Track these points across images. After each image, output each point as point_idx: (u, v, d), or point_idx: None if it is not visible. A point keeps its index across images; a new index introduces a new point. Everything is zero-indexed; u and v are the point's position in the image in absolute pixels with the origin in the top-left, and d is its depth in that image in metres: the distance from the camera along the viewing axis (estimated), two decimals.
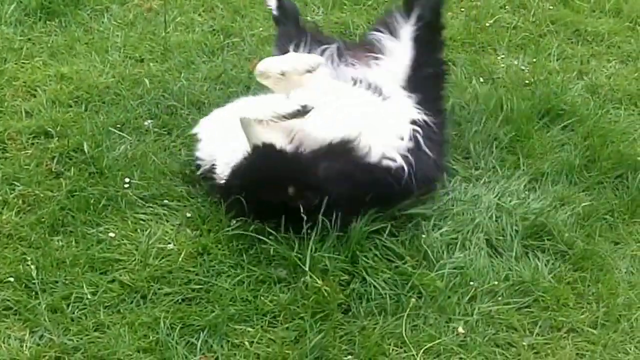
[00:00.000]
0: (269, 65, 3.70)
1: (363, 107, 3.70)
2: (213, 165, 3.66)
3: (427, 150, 3.70)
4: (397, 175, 3.57)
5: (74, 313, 3.20)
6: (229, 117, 3.71)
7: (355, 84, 3.80)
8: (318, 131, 3.50)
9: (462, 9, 5.29)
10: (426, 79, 3.95)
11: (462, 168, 4.02)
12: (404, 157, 3.59)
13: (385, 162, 3.57)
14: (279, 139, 3.46)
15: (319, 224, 3.42)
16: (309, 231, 3.43)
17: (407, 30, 3.97)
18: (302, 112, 3.44)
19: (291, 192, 3.41)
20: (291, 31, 4.08)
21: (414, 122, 3.72)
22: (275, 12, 4.21)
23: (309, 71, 3.66)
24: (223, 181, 3.59)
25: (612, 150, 4.15)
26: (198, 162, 3.75)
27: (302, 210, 3.38)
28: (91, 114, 4.17)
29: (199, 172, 3.74)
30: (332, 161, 3.48)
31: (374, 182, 3.53)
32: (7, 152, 3.90)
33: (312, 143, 3.50)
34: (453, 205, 3.79)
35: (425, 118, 3.78)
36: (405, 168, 3.57)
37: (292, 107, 3.44)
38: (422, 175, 3.63)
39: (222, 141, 3.67)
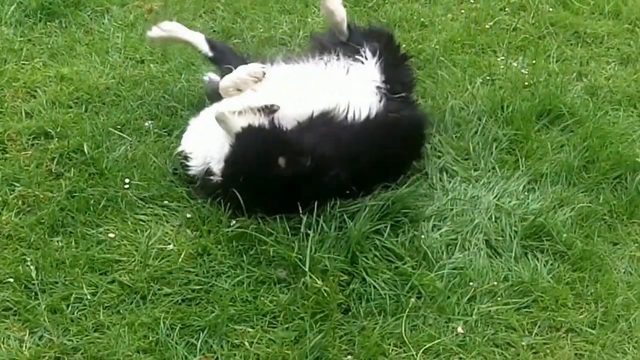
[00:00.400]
0: (225, 85, 3.90)
1: (330, 78, 3.92)
2: (209, 167, 3.69)
3: (402, 101, 3.93)
4: (384, 124, 3.76)
5: (73, 314, 3.20)
6: (207, 121, 3.81)
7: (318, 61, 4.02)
8: (295, 110, 3.66)
9: (462, 11, 5.30)
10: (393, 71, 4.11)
11: (461, 169, 4.03)
12: (385, 108, 3.81)
13: (368, 115, 3.74)
14: (257, 121, 3.60)
15: (319, 224, 3.44)
16: (308, 231, 3.44)
17: (370, 61, 4.07)
18: (269, 109, 3.64)
19: (282, 162, 3.48)
20: (233, 62, 4.14)
21: (381, 81, 3.95)
22: (210, 54, 4.26)
23: (258, 80, 3.85)
24: (220, 177, 3.62)
25: (611, 151, 4.15)
26: (193, 170, 3.76)
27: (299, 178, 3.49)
28: (91, 114, 4.18)
29: (197, 181, 3.76)
30: (316, 129, 3.62)
31: (369, 134, 3.71)
32: (7, 153, 3.91)
33: (291, 121, 3.63)
34: (452, 206, 3.80)
35: (391, 80, 3.98)
36: (390, 115, 3.78)
37: (261, 102, 3.67)
38: (409, 121, 3.89)
39: (209, 142, 3.72)
